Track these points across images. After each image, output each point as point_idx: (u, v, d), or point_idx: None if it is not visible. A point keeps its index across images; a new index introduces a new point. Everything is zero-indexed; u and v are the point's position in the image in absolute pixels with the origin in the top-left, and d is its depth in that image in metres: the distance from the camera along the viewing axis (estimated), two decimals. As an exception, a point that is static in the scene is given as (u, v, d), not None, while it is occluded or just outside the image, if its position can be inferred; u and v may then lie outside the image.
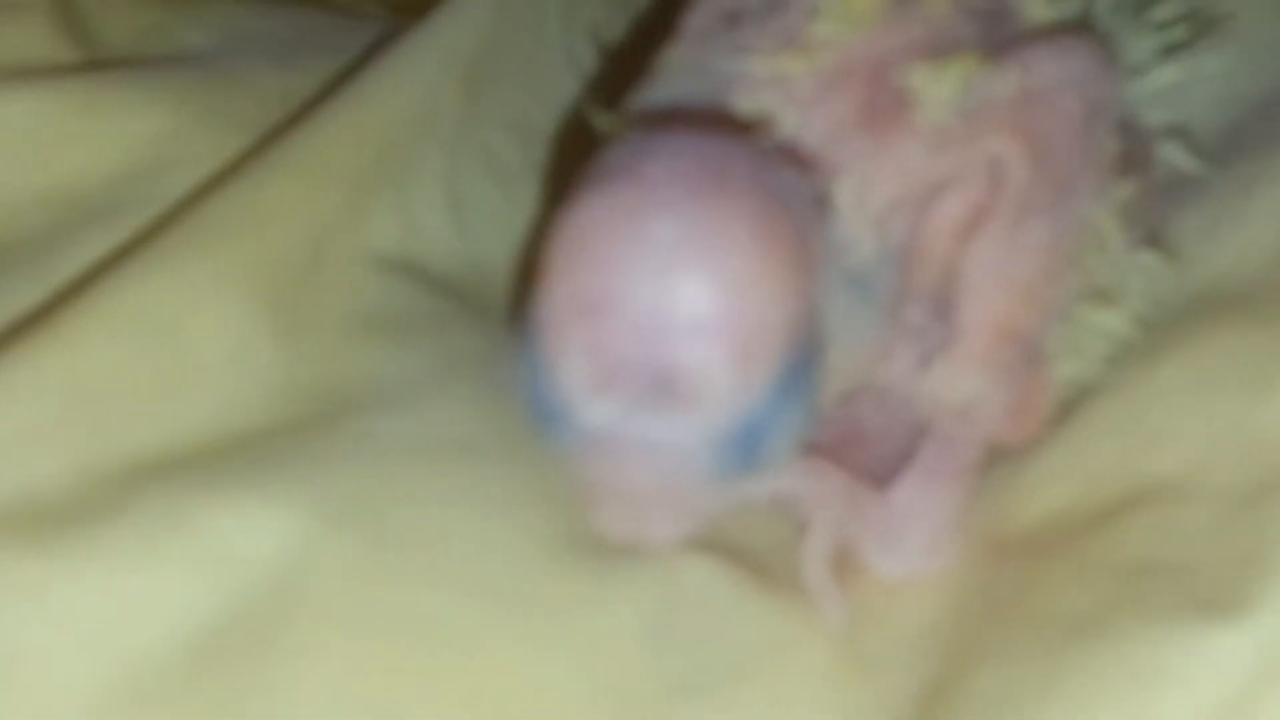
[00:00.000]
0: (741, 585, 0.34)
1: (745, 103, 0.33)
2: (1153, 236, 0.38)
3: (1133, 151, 0.37)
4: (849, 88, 0.33)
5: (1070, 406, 0.36)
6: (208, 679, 0.30)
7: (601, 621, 0.33)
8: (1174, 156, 0.39)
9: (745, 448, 0.29)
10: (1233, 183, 0.39)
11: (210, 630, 0.31)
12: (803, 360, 0.30)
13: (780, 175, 0.31)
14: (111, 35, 0.45)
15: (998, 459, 0.36)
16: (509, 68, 0.45)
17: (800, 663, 0.34)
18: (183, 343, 0.35)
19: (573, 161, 0.31)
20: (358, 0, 0.55)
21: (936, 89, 0.33)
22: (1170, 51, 0.38)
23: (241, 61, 0.44)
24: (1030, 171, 0.33)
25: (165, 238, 0.36)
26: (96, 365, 0.33)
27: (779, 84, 0.33)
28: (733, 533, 0.35)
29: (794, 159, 0.32)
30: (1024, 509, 0.35)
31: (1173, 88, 0.38)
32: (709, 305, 0.28)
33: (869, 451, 0.36)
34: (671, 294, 0.28)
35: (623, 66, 0.40)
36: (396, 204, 0.40)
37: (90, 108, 0.41)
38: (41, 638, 0.30)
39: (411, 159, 0.41)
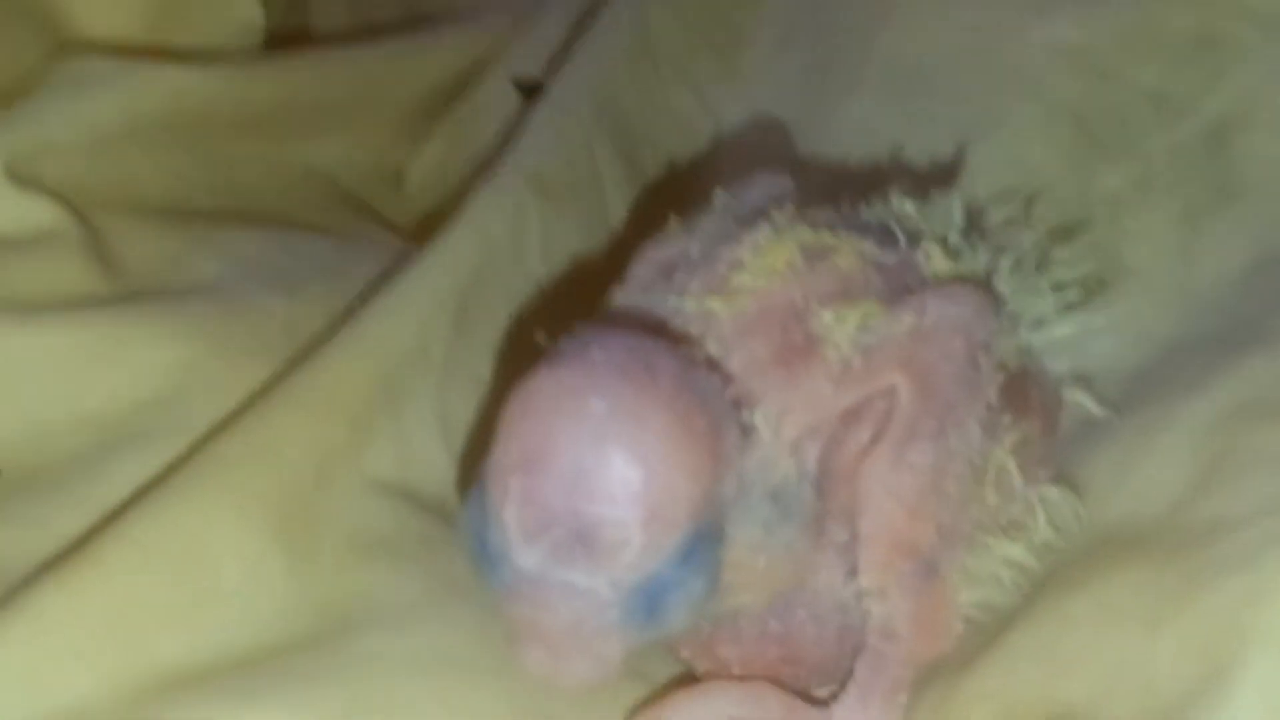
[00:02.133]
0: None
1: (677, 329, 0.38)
2: (1061, 476, 0.42)
3: (1032, 396, 0.42)
4: (766, 329, 0.38)
5: (987, 631, 0.40)
6: None
7: None
8: (1081, 402, 0.43)
9: (650, 603, 0.33)
10: (1138, 426, 0.43)
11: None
12: (706, 536, 0.34)
13: (702, 377, 0.35)
14: (136, 265, 0.49)
15: (932, 678, 0.41)
16: (495, 299, 0.49)
17: None
18: (205, 567, 0.39)
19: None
20: (358, 217, 0.60)
21: (841, 330, 0.38)
22: (1068, 308, 0.43)
23: (251, 291, 0.49)
24: (917, 400, 0.38)
25: (187, 471, 0.40)
26: (129, 591, 0.37)
27: (705, 321, 0.38)
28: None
29: (715, 368, 0.37)
30: (955, 727, 0.39)
31: (1073, 338, 0.43)
32: (629, 473, 0.32)
33: (807, 663, 0.40)
34: (598, 459, 0.32)
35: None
36: (393, 433, 0.44)
37: (118, 340, 0.45)
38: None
39: (407, 391, 0.45)
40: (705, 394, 0.35)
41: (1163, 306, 0.49)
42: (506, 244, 0.51)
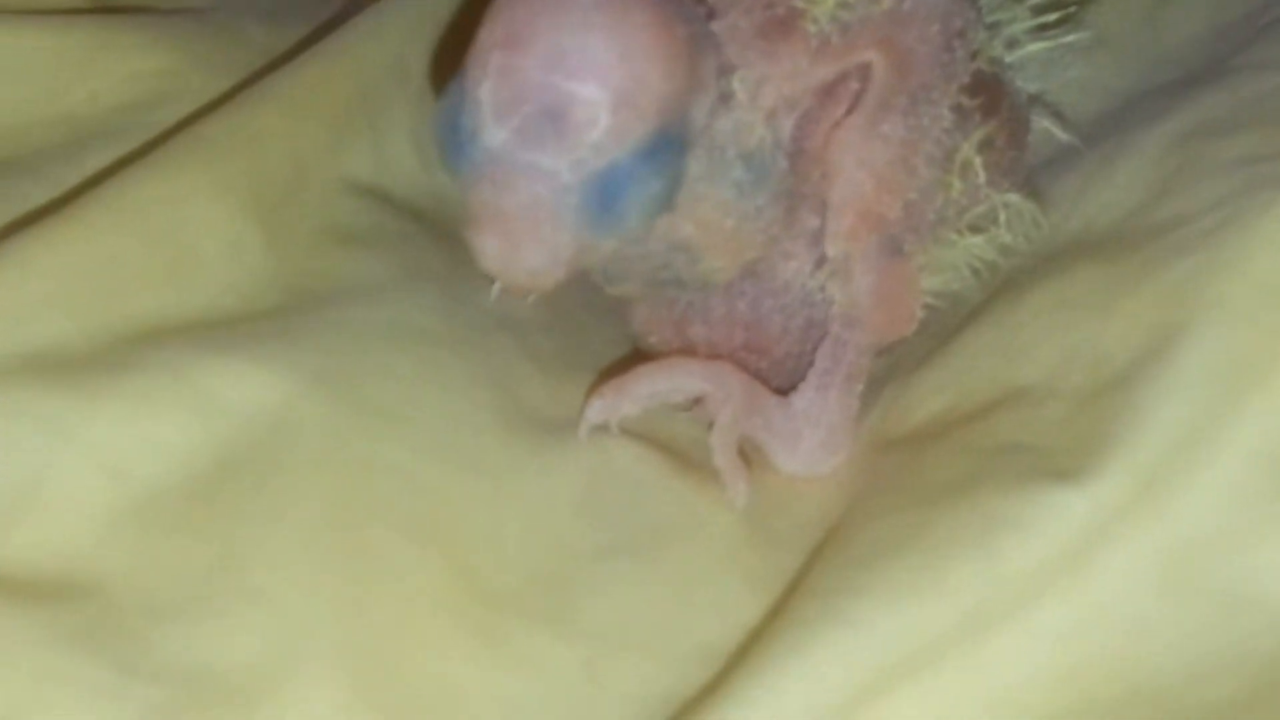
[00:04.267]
0: (663, 466, 0.40)
1: None
2: (1026, 188, 0.43)
3: (1001, 103, 0.42)
4: (750, 3, 0.38)
5: (944, 329, 0.42)
6: (201, 506, 0.35)
7: (543, 487, 0.38)
8: (1048, 126, 0.44)
9: (607, 194, 0.34)
10: (1098, 155, 0.44)
11: (207, 467, 0.35)
12: (671, 141, 0.35)
13: (689, 3, 0.37)
14: (119, -13, 0.50)
15: (888, 376, 0.42)
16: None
17: (712, 534, 0.39)
18: (182, 236, 0.39)
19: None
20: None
21: (821, 5, 0.39)
22: (1043, 29, 0.44)
23: (233, 16, 0.49)
24: (891, 77, 0.39)
25: (167, 149, 0.41)
26: (107, 248, 0.38)
27: None
28: (656, 427, 0.41)
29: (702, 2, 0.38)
30: (909, 414, 0.41)
31: (1046, 63, 0.44)
32: (606, 56, 0.33)
33: (771, 355, 0.42)
34: (579, 40, 0.33)
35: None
36: (370, 141, 0.45)
37: (101, 45, 0.46)
38: (63, 464, 0.34)
39: (385, 104, 0.46)
40: (690, 15, 0.36)
41: (1126, 65, 0.50)
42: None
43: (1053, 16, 0.44)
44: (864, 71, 0.39)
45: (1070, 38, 0.45)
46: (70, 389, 0.35)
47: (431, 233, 0.45)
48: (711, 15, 0.38)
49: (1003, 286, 0.42)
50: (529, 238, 0.34)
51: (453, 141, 0.34)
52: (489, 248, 0.34)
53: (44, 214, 0.39)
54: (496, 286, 0.42)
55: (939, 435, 0.39)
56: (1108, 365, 0.37)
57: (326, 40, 0.46)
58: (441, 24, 0.48)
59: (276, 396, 0.37)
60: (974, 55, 0.41)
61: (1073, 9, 0.46)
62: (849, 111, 0.39)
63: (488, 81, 0.34)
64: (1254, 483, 0.33)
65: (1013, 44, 0.44)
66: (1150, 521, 0.33)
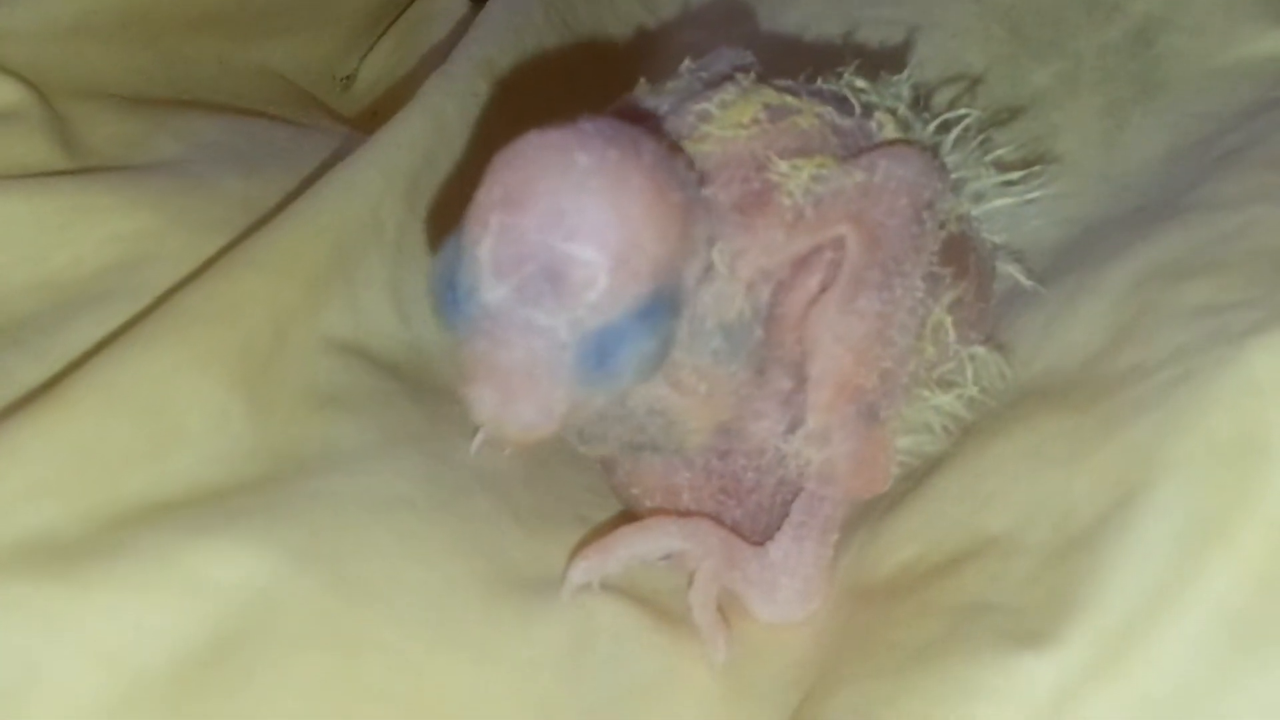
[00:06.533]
0: (643, 622, 0.40)
1: None
2: (990, 336, 0.45)
3: (969, 261, 0.44)
4: (728, 176, 0.40)
5: (919, 475, 0.43)
6: (195, 691, 0.36)
7: (527, 651, 0.39)
8: (1012, 272, 0.46)
9: (602, 352, 0.35)
10: (1061, 293, 0.45)
11: (196, 649, 0.36)
12: (665, 301, 0.36)
13: (682, 166, 0.38)
14: (98, 145, 0.51)
15: (860, 521, 0.43)
16: (446, 177, 0.51)
17: (692, 689, 0.40)
18: (168, 412, 0.40)
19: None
20: (310, 113, 0.61)
21: (795, 179, 0.40)
22: (1007, 184, 0.46)
23: (210, 169, 0.50)
24: (864, 252, 0.40)
25: (151, 324, 0.42)
26: (95, 430, 0.39)
27: None
28: (637, 581, 0.42)
29: (692, 168, 0.39)
30: (881, 562, 0.41)
31: (1010, 212, 0.46)
32: (604, 219, 0.34)
33: (745, 504, 0.43)
34: (577, 203, 0.34)
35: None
36: (348, 298, 0.46)
37: (81, 208, 0.47)
38: (57, 657, 0.35)
39: (361, 259, 0.47)
40: (683, 179, 0.37)
41: (1086, 191, 0.51)
42: (459, 127, 0.52)
43: (1017, 175, 0.46)
44: (837, 243, 0.40)
45: (1035, 193, 0.46)
46: (63, 579, 0.36)
47: (410, 389, 0.46)
48: (704, 181, 0.39)
49: (969, 432, 0.43)
50: (524, 392, 0.35)
51: (449, 297, 0.36)
52: (484, 401, 0.35)
53: (31, 396, 0.40)
54: (477, 441, 0.43)
55: (910, 589, 0.40)
56: (1073, 522, 0.38)
57: (303, 198, 0.47)
58: (414, 175, 0.50)
59: (263, 577, 0.38)
60: (943, 223, 0.42)
61: (1037, 167, 0.47)
62: (824, 286, 0.40)
63: (487, 240, 0.35)
64: (1215, 641, 0.34)
65: (979, 197, 0.45)
66: (1115, 684, 0.34)
